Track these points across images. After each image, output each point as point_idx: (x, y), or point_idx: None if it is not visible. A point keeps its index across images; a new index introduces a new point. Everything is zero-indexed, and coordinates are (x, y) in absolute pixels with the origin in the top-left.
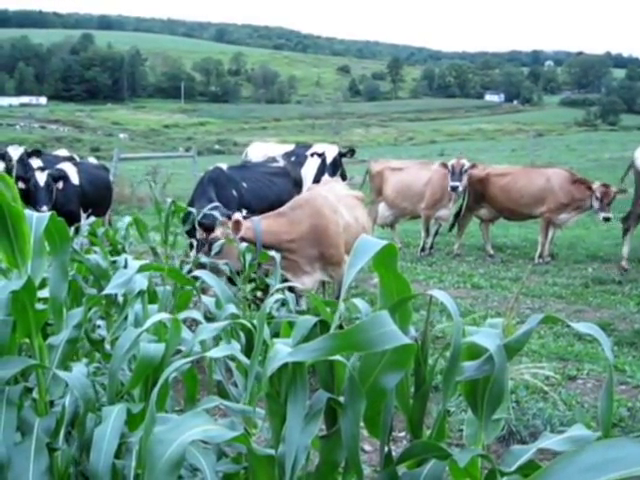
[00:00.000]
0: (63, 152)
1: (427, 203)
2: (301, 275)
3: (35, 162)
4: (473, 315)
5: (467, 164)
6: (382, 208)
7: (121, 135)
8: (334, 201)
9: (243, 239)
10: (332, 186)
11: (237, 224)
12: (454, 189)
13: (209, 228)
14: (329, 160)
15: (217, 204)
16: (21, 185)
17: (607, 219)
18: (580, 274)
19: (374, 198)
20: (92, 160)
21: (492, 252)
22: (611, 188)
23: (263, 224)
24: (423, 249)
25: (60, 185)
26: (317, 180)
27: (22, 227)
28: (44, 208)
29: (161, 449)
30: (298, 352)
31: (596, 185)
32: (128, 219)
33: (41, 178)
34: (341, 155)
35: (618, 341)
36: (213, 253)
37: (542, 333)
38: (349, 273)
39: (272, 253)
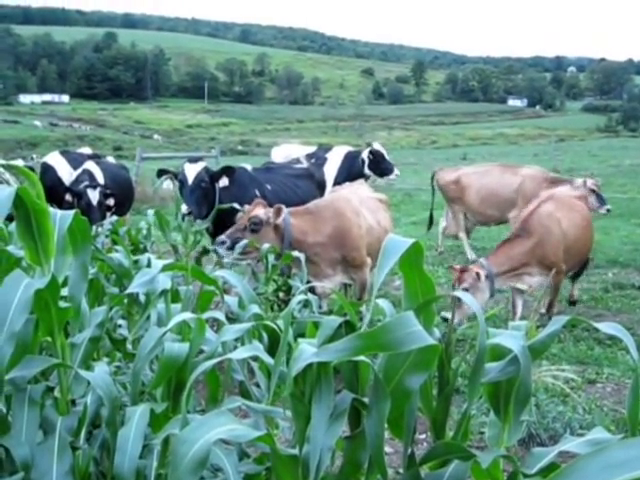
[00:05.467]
0: (86, 150)
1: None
2: (322, 277)
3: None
4: (492, 312)
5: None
6: (458, 217)
7: (155, 136)
8: (357, 204)
9: (277, 228)
10: (355, 188)
11: (279, 209)
12: (609, 211)
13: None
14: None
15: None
16: (68, 198)
17: (609, 210)
18: (600, 279)
19: (452, 207)
20: (110, 159)
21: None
22: (595, 178)
23: (292, 219)
24: None
25: (111, 202)
26: (353, 179)
27: (46, 225)
28: None
29: (185, 448)
30: (323, 352)
31: (580, 181)
32: (150, 212)
33: (94, 197)
34: (373, 154)
35: (638, 346)
36: (237, 252)
37: (562, 337)
38: (379, 273)
39: (296, 253)
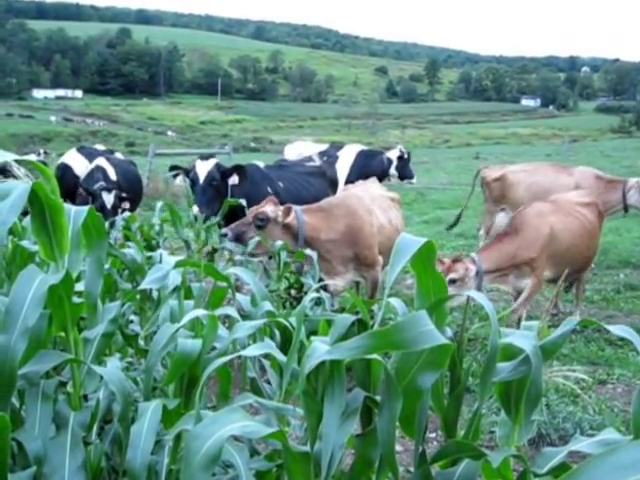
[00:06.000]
0: (100, 147)
1: None
2: (334, 275)
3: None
4: (502, 313)
5: None
6: (503, 216)
7: (169, 133)
8: (369, 202)
9: (287, 227)
10: (368, 187)
11: (288, 210)
12: None
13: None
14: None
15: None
16: (80, 191)
17: None
18: (612, 280)
19: (490, 207)
20: (119, 155)
21: None
22: None
23: (305, 217)
24: None
25: (127, 205)
26: (367, 177)
27: (60, 220)
28: None
29: (198, 444)
30: (336, 350)
31: (633, 181)
32: (159, 204)
33: (108, 200)
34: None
35: None
36: (250, 248)
37: (573, 337)
38: (392, 272)
39: (308, 251)
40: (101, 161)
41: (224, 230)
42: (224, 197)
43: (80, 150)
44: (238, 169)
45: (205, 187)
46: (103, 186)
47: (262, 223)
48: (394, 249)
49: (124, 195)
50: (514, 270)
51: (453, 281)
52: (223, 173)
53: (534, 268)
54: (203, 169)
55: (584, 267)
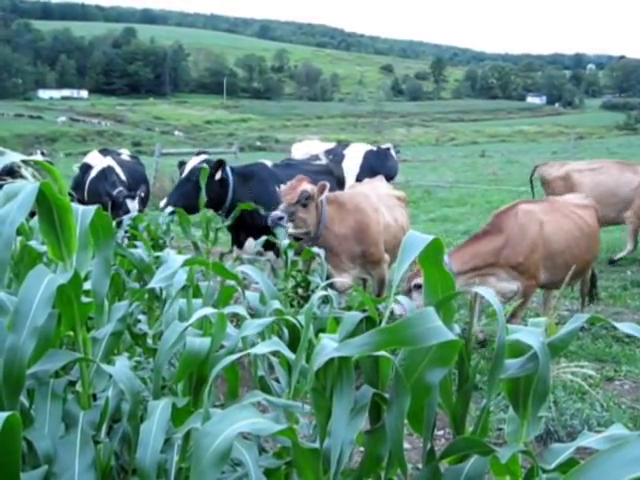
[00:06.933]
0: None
1: (637, 211)
2: (341, 271)
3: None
4: (508, 308)
5: None
6: None
7: (176, 132)
8: (375, 200)
9: (317, 209)
10: (374, 185)
11: (323, 187)
12: None
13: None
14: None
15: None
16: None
17: None
18: (619, 277)
19: None
20: (124, 151)
21: None
22: None
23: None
24: (612, 261)
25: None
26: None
27: (68, 220)
28: None
29: (207, 442)
30: (345, 347)
31: None
32: (163, 202)
33: (133, 207)
34: None
35: None
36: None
37: (580, 334)
38: (399, 269)
39: (315, 249)
40: (109, 161)
41: (278, 214)
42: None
43: (102, 152)
44: (219, 164)
45: (183, 181)
46: (125, 193)
47: (307, 201)
48: (402, 246)
49: (142, 195)
50: (497, 271)
51: (418, 286)
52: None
53: (522, 272)
54: (190, 165)
55: (582, 271)
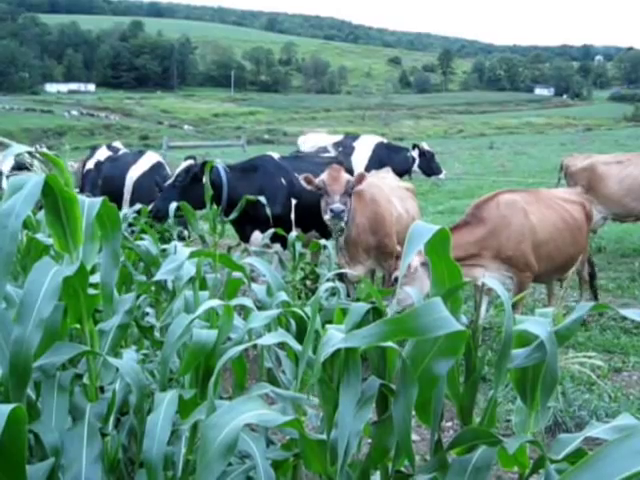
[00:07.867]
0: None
1: None
2: (357, 262)
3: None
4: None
5: None
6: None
7: (186, 126)
8: (388, 192)
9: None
10: (382, 177)
11: (361, 177)
12: None
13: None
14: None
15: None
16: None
17: None
18: (627, 268)
19: None
20: (118, 144)
21: None
22: None
23: None
24: None
25: None
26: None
27: (74, 212)
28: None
29: (214, 433)
30: (352, 338)
31: None
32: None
33: None
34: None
35: None
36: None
37: (589, 325)
38: (405, 258)
39: (323, 241)
40: (156, 157)
41: (340, 206)
42: (189, 198)
43: (109, 148)
44: (203, 165)
45: (169, 187)
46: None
47: (352, 191)
48: (407, 236)
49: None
50: (484, 262)
51: (397, 279)
52: (196, 174)
53: (514, 264)
54: (177, 170)
55: (568, 266)
